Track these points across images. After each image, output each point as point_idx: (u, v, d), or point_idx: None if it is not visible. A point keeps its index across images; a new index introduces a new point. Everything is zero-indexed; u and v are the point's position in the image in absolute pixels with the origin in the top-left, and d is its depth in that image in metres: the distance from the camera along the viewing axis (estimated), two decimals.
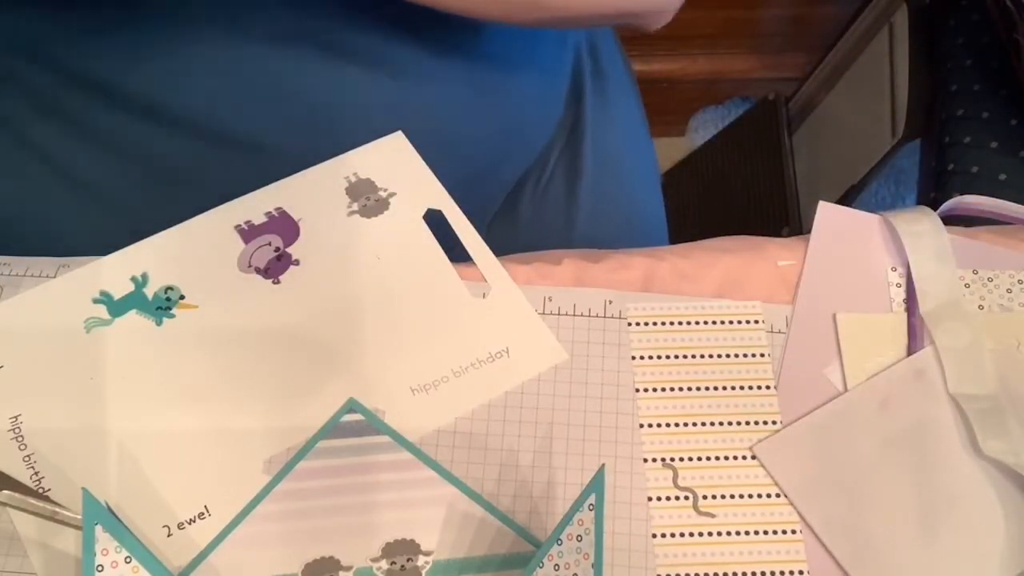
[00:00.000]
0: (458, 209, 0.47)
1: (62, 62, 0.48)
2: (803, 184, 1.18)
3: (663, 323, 0.45)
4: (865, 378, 0.44)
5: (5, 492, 0.40)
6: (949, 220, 0.48)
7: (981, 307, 0.45)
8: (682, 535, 0.41)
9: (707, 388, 0.44)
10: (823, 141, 1.19)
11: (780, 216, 1.16)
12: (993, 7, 0.86)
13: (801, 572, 0.40)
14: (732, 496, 0.42)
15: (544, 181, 0.65)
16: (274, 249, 0.46)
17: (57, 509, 0.40)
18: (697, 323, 0.45)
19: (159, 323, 0.44)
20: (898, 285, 0.46)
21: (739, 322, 0.45)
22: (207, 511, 0.41)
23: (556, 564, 0.37)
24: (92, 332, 0.44)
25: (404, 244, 0.46)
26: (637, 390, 0.44)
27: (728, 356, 0.45)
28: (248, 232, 0.46)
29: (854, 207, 0.49)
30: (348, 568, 0.40)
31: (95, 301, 0.45)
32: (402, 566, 0.40)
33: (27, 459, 0.41)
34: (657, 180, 0.73)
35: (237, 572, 0.40)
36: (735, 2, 1.22)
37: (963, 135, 0.85)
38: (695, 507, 0.41)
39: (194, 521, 0.40)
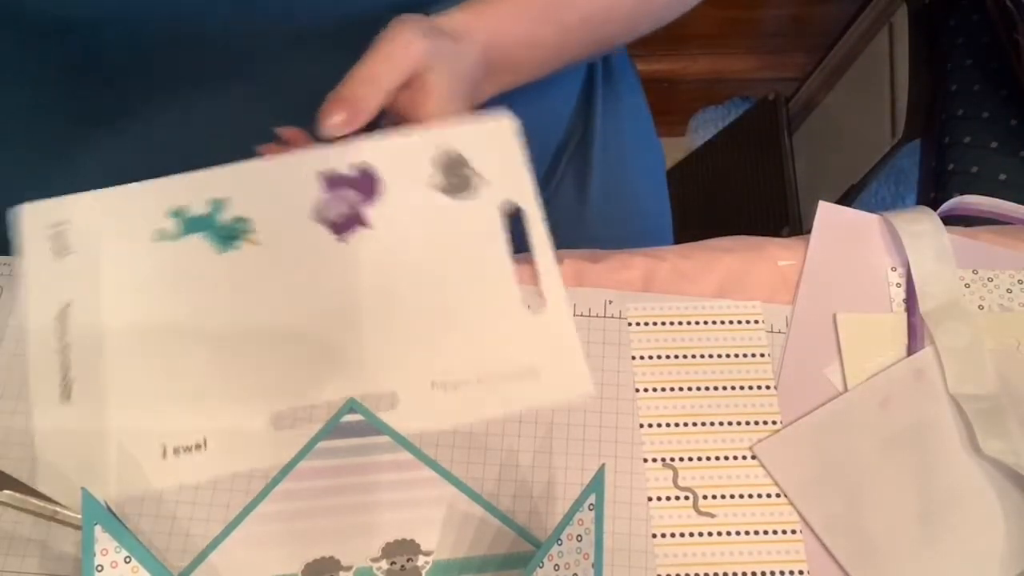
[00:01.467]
0: (539, 212, 0.45)
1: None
2: (803, 184, 1.18)
3: (663, 323, 0.45)
4: (865, 378, 0.44)
5: (5, 492, 0.40)
6: (949, 220, 0.48)
7: (981, 307, 0.45)
8: (682, 535, 0.41)
9: (707, 388, 0.44)
10: (823, 141, 1.19)
11: (780, 216, 1.16)
12: (993, 7, 0.86)
13: (801, 572, 0.40)
14: (732, 496, 0.42)
15: (556, 180, 0.65)
16: (350, 205, 0.45)
17: (57, 509, 0.40)
18: (697, 323, 0.45)
19: (221, 251, 0.44)
20: (898, 285, 0.46)
21: (739, 322, 0.45)
22: (204, 444, 0.41)
23: (556, 564, 0.37)
24: (157, 243, 0.44)
25: (475, 233, 0.45)
26: (637, 390, 0.44)
27: (728, 356, 0.45)
28: (331, 181, 0.45)
29: (854, 207, 0.49)
30: (348, 568, 0.40)
31: (170, 214, 0.45)
32: (402, 566, 0.40)
33: (62, 350, 0.42)
34: (663, 178, 0.73)
35: (237, 572, 0.40)
36: (735, 2, 1.22)
37: (963, 135, 0.85)
38: (695, 507, 0.41)
39: (190, 450, 0.41)
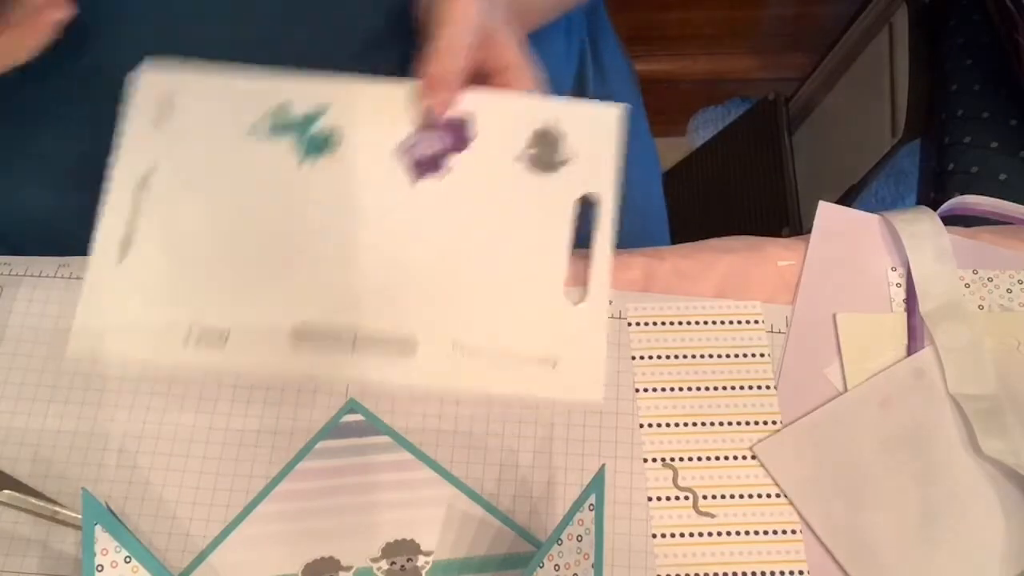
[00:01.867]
0: (612, 209, 0.44)
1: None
2: (803, 184, 1.18)
3: (663, 323, 0.45)
4: (865, 378, 0.44)
5: (5, 492, 0.40)
6: (949, 220, 0.48)
7: (981, 307, 0.45)
8: (682, 535, 0.41)
9: (707, 388, 0.44)
10: (823, 141, 1.19)
11: (780, 216, 1.16)
12: (993, 7, 0.86)
13: (801, 572, 0.40)
14: (732, 496, 0.42)
15: None
16: (434, 150, 0.45)
17: (57, 509, 0.40)
18: (697, 323, 0.45)
19: (300, 161, 0.44)
20: (898, 285, 0.46)
21: (739, 322, 0.45)
22: (227, 336, 0.41)
23: (556, 564, 0.37)
24: (246, 137, 0.45)
25: (543, 211, 0.44)
26: (637, 390, 0.44)
27: (728, 356, 0.45)
28: (427, 121, 0.45)
29: (854, 207, 0.49)
30: (348, 568, 0.40)
31: (271, 111, 0.45)
32: (402, 566, 0.40)
33: (133, 213, 0.43)
34: (658, 177, 0.73)
35: (237, 572, 0.40)
36: (735, 2, 1.22)
37: (963, 135, 0.85)
38: (695, 507, 0.41)
39: (212, 343, 0.41)
